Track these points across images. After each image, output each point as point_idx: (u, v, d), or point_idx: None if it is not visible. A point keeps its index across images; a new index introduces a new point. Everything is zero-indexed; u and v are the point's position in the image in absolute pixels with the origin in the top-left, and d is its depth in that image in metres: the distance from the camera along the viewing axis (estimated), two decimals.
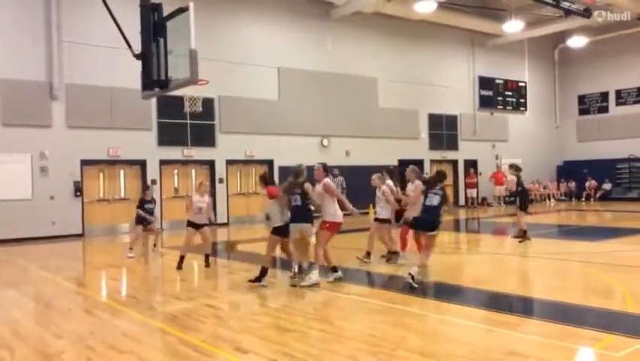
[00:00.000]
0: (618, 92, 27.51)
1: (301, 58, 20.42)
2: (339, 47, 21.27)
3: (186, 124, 17.89)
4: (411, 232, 9.28)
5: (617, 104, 27.61)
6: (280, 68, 19.94)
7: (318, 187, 8.28)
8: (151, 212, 12.08)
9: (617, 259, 10.15)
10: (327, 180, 8.41)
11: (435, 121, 24.54)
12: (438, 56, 24.60)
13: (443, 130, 24.89)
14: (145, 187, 13.40)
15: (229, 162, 19.01)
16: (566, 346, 4.97)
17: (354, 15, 20.92)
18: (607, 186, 26.44)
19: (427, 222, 7.86)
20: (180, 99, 16.25)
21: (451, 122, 25.16)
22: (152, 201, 12.35)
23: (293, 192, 8.07)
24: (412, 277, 7.42)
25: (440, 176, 8.33)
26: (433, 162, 24.66)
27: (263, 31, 19.68)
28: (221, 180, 18.83)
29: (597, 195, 26.36)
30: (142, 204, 12.00)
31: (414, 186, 9.54)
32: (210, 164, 18.73)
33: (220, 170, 18.81)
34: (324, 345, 5.15)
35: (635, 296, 6.91)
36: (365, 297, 7.25)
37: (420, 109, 23.92)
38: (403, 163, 23.37)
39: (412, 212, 8.71)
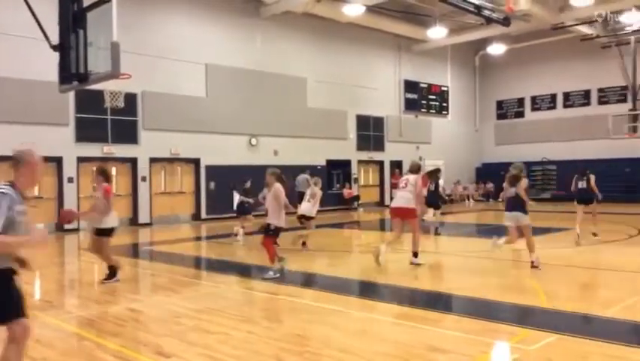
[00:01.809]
0: (533, 98, 29.12)
1: (230, 55, 20.12)
2: (268, 46, 21.15)
3: (107, 120, 17.17)
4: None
5: (533, 109, 29.23)
6: (208, 64, 19.56)
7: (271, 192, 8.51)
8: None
9: (528, 256, 10.67)
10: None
11: (362, 122, 24.95)
12: (366, 58, 25.03)
13: (370, 131, 25.35)
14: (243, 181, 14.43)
15: (153, 160, 18.42)
16: (483, 340, 5.16)
17: (284, 14, 20.88)
18: None
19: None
20: (100, 94, 15.54)
21: (378, 123, 25.66)
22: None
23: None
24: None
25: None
26: (360, 162, 25.06)
27: (191, 26, 19.23)
28: (144, 179, 18.22)
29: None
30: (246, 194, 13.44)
31: (272, 191, 8.60)
32: (133, 162, 18.07)
33: (143, 168, 18.18)
34: (248, 346, 5.08)
35: (547, 292, 7.30)
36: (291, 296, 7.23)
37: (348, 110, 24.24)
38: (332, 163, 23.68)
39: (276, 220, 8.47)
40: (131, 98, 17.20)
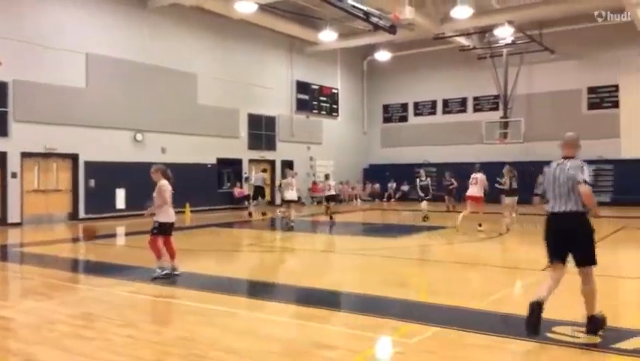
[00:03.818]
0: (416, 104, 30.68)
1: (114, 46, 19.07)
2: (156, 39, 20.34)
3: None
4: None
5: (415, 114, 30.78)
6: (89, 53, 18.40)
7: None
8: None
9: (413, 253, 11.24)
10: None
11: (254, 121, 24.82)
12: (259, 57, 24.92)
13: (262, 130, 25.29)
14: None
15: (25, 155, 16.97)
16: (369, 336, 5.33)
17: (173, 7, 20.18)
18: (405, 187, 29.18)
19: None
20: None
21: (269, 122, 25.66)
22: None
23: None
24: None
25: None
26: (251, 161, 24.91)
27: (70, 13, 17.98)
28: (14, 175, 16.74)
29: (397, 196, 28.98)
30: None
31: (157, 188, 8.50)
32: (1, 156, 16.53)
33: (13, 163, 16.70)
34: (130, 351, 4.83)
35: (428, 287, 7.70)
36: (177, 299, 7.00)
37: (240, 108, 23.99)
38: (223, 162, 23.30)
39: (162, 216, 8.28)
40: (1, 88, 15.76)
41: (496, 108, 27.41)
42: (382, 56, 27.91)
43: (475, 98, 28.83)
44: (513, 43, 24.80)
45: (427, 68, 29.27)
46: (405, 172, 29.05)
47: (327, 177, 18.60)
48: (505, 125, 26.10)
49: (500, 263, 9.83)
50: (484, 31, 24.88)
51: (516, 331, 5.10)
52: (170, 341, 5.14)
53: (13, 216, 16.64)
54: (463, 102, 29.28)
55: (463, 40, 25.54)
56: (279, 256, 11.64)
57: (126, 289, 7.45)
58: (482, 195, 14.01)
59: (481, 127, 26.88)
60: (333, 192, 17.91)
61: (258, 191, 19.79)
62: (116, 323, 5.73)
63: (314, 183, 27.41)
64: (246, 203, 22.88)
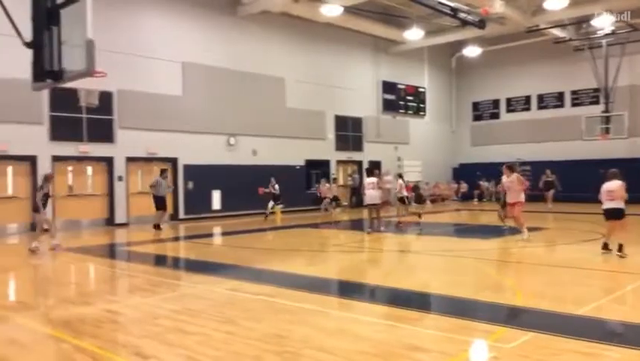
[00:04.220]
0: (508, 100, 29.55)
1: (207, 54, 19.99)
2: (246, 45, 21.08)
3: (82, 118, 16.93)
4: None
5: (508, 111, 29.65)
6: (185, 62, 19.41)
7: None
8: None
9: (506, 255, 10.86)
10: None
11: (341, 122, 25.02)
12: (344, 59, 25.10)
13: (349, 132, 25.44)
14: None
15: (130, 160, 18.21)
16: (462, 339, 5.23)
17: (262, 14, 20.82)
18: (494, 187, 28.15)
19: None
20: (75, 92, 15.34)
21: (356, 124, 25.76)
22: None
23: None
24: None
25: None
26: (339, 162, 25.13)
27: (167, 24, 19.08)
28: (120, 178, 18.00)
29: (491, 197, 27.99)
30: None
31: None
32: (108, 161, 17.83)
33: (119, 167, 17.96)
34: (228, 347, 5.06)
35: (523, 290, 7.43)
36: (270, 296, 7.22)
37: (326, 110, 24.28)
38: (311, 163, 23.70)
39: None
40: (106, 97, 17.01)
41: (596, 102, 25.79)
42: (471, 51, 27.14)
43: (573, 92, 27.33)
44: (613, 33, 23.20)
45: (519, 62, 28.12)
46: (497, 171, 28.08)
47: (400, 176, 17.78)
48: (607, 119, 24.44)
49: (604, 267, 9.26)
50: (581, 22, 23.49)
51: (619, 338, 4.82)
52: (266, 338, 5.32)
53: (119, 217, 17.89)
54: (559, 97, 27.84)
55: (557, 32, 24.27)
56: (366, 257, 11.66)
57: (224, 287, 7.79)
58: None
59: (580, 122, 25.35)
60: (404, 193, 17.04)
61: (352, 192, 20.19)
62: (215, 319, 6.02)
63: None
64: (333, 204, 23.10)
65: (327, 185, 22.26)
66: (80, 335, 5.57)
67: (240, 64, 20.83)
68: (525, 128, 28.30)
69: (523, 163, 27.76)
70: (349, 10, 21.24)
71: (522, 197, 12.24)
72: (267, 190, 18.76)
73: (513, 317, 6.10)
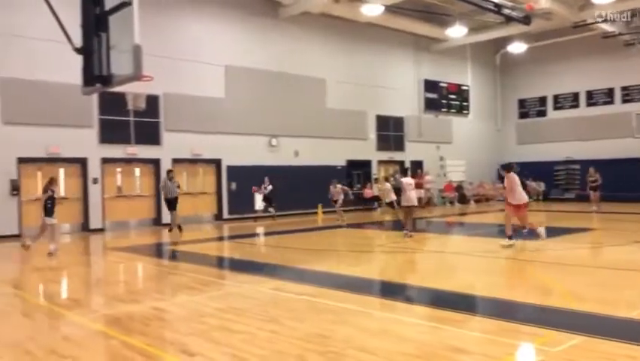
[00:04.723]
0: (556, 97, 28.74)
1: (249, 56, 20.26)
2: (287, 47, 21.25)
3: (129, 121, 17.43)
4: None
5: (555, 108, 28.85)
6: (227, 65, 19.73)
7: None
8: None
9: (555, 256, 10.58)
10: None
11: (382, 122, 24.91)
12: (385, 58, 24.98)
13: (390, 131, 25.30)
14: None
15: (175, 161, 18.63)
16: (507, 342, 5.13)
17: (302, 15, 20.95)
18: (541, 187, 27.49)
19: None
20: (123, 96, 15.85)
21: (397, 123, 25.59)
22: None
23: None
24: None
25: None
26: (380, 162, 25.03)
27: (210, 28, 19.43)
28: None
29: (538, 196, 27.30)
30: None
31: None
32: (155, 162, 18.31)
33: (166, 169, 18.37)
34: (272, 346, 5.13)
35: (573, 293, 7.22)
36: (313, 296, 7.26)
37: (368, 110, 24.22)
38: (352, 164, 23.68)
39: None
40: (153, 100, 17.46)
41: None
42: (517, 48, 26.54)
43: (624, 88, 26.37)
44: None
45: (566, 58, 27.33)
46: (544, 170, 27.42)
47: (387, 179, 17.29)
48: None
49: None
50: (632, 16, 22.63)
51: None
52: (309, 337, 5.36)
53: (166, 217, 18.31)
54: (609, 93, 26.91)
55: (606, 27, 23.48)
56: (409, 257, 11.57)
57: (268, 286, 7.89)
58: None
59: (631, 119, 24.50)
60: (393, 197, 15.38)
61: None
62: (259, 318, 6.10)
63: (448, 183, 26.78)
64: (375, 204, 23.03)
65: (383, 185, 21.52)
66: (129, 331, 5.75)
67: (281, 65, 21.02)
68: (573, 125, 27.49)
69: (572, 162, 27.04)
70: (390, 9, 21.13)
71: (525, 198, 11.44)
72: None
73: (560, 319, 5.94)
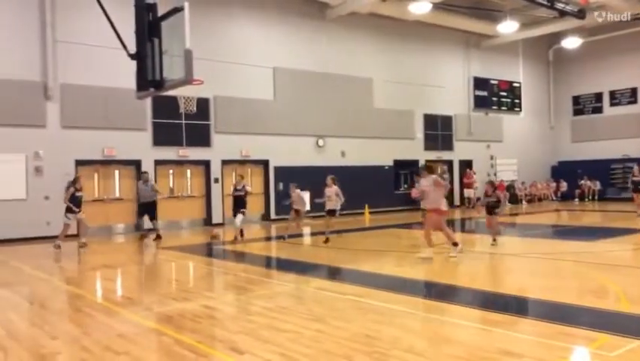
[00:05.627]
0: (612, 93, 27.65)
1: (296, 58, 20.42)
2: (334, 47, 21.29)
3: (181, 124, 17.87)
4: None
5: (612, 104, 27.75)
6: (275, 68, 19.94)
7: None
8: None
9: (611, 258, 10.20)
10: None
11: (430, 121, 24.60)
12: (433, 56, 24.66)
13: (438, 130, 24.95)
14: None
15: (225, 162, 18.99)
16: (560, 345, 4.98)
17: (350, 15, 20.95)
18: (596, 186, 26.52)
19: None
20: (175, 99, 16.28)
21: (446, 122, 25.21)
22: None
23: None
24: None
25: None
26: (428, 162, 24.68)
27: (258, 31, 19.69)
28: (216, 180, 18.82)
29: (593, 196, 26.35)
30: None
31: None
32: (206, 164, 18.71)
33: (215, 170, 18.79)
34: (319, 345, 5.15)
35: (629, 296, 6.95)
36: (360, 297, 7.26)
37: (415, 109, 23.97)
38: (399, 164, 23.49)
39: None
40: (203, 103, 17.85)
41: None
42: (571, 43, 25.70)
43: None
44: None
45: (623, 52, 26.24)
46: (600, 169, 26.42)
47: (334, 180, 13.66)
48: None
49: None
50: None
51: None
52: (355, 337, 5.36)
53: (216, 217, 18.70)
54: None
55: None
56: (459, 258, 11.38)
57: (313, 286, 7.94)
58: None
59: None
60: (338, 205, 13.43)
61: None
62: (305, 318, 6.15)
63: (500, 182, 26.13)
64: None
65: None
66: (180, 329, 5.90)
67: (328, 66, 21.07)
68: (631, 122, 26.37)
69: (630, 160, 25.92)
70: (438, 6, 20.86)
71: (440, 203, 10.36)
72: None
73: (617, 323, 5.72)
